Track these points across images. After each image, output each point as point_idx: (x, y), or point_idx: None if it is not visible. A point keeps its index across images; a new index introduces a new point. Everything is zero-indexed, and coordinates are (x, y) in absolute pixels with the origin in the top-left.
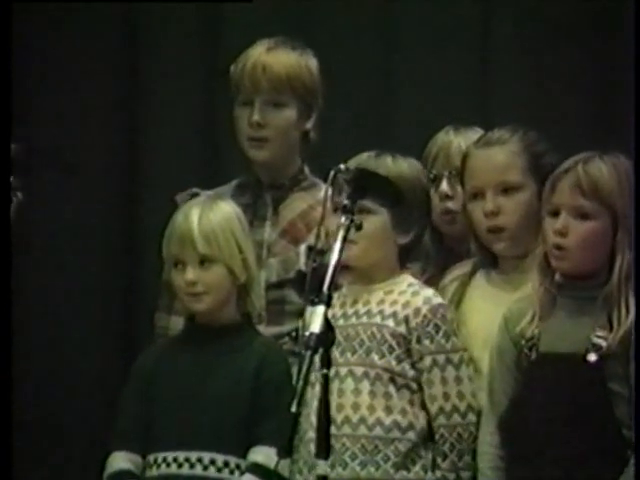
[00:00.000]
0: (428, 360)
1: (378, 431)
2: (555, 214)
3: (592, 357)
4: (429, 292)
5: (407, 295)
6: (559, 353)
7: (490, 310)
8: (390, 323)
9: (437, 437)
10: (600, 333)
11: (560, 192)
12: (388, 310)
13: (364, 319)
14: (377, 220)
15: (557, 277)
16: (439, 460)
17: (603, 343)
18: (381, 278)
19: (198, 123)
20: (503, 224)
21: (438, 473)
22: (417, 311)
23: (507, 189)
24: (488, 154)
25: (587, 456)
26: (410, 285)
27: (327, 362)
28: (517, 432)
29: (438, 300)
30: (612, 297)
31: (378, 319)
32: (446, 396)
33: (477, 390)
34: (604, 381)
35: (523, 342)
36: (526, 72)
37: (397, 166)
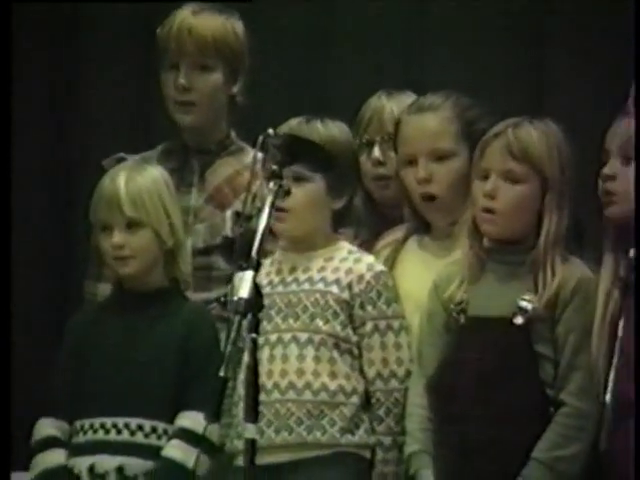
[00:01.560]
0: (369, 325)
1: (323, 396)
2: (485, 178)
3: (519, 320)
4: (371, 259)
5: (349, 262)
6: (487, 317)
7: (422, 275)
8: (334, 289)
9: (373, 401)
10: (527, 297)
11: (490, 156)
12: (331, 277)
13: (306, 286)
14: (312, 187)
15: (486, 241)
16: (375, 424)
17: (529, 306)
18: (318, 245)
19: (130, 89)
20: (435, 191)
21: (373, 438)
22: (360, 277)
23: (440, 156)
24: (421, 121)
25: (512, 416)
26: (350, 252)
27: (256, 327)
28: (445, 394)
29: (380, 267)
30: (539, 261)
31: (321, 285)
32: (385, 361)
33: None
34: (530, 343)
35: (452, 306)
36: (462, 36)
37: (327, 130)
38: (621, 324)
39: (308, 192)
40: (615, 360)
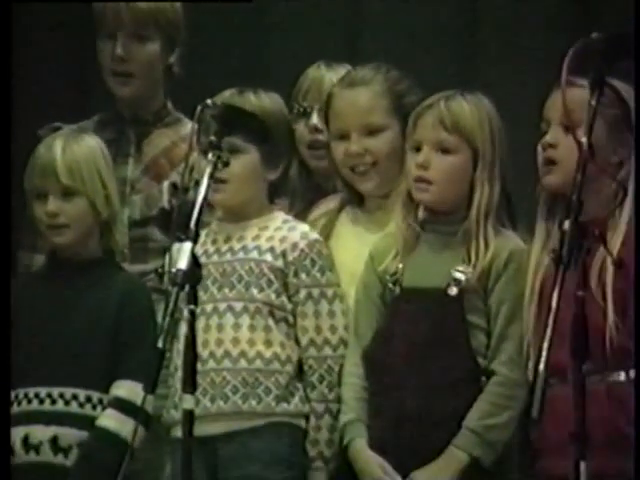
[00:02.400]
0: (303, 293)
1: (259, 364)
2: (417, 149)
3: (452, 291)
4: (305, 227)
5: (284, 230)
6: (421, 287)
7: (356, 247)
8: (268, 257)
9: (306, 368)
10: (460, 267)
11: (422, 127)
12: (265, 245)
13: (240, 255)
14: (247, 158)
15: (420, 213)
16: (308, 391)
17: (463, 277)
18: (253, 214)
19: (67, 59)
20: (368, 163)
21: (307, 405)
22: (294, 245)
23: (372, 131)
24: (352, 95)
25: (445, 385)
26: (285, 221)
27: (194, 298)
28: (380, 364)
29: (315, 235)
30: (471, 232)
31: (255, 254)
32: (318, 329)
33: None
34: (463, 313)
35: (387, 277)
36: (398, 7)
37: (260, 101)
38: (555, 295)
39: (243, 163)
40: (549, 330)
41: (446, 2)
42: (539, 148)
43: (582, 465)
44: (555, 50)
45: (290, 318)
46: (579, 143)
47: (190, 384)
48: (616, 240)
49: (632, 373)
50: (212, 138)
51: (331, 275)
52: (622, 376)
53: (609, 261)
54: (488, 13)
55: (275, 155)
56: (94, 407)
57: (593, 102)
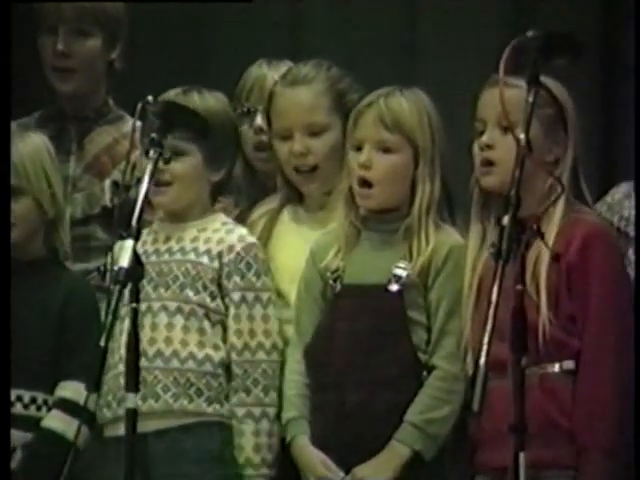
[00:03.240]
0: (237, 296)
1: (191, 364)
2: (359, 148)
3: (393, 287)
4: (243, 231)
5: (221, 233)
6: (362, 284)
7: (297, 246)
8: (204, 260)
9: (241, 372)
10: (401, 264)
11: (363, 126)
12: (202, 247)
13: (178, 256)
14: (190, 160)
15: (361, 210)
16: (243, 395)
17: (403, 273)
18: (194, 216)
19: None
20: (312, 164)
21: (243, 409)
22: (231, 248)
23: (315, 130)
24: (294, 94)
25: (387, 380)
26: (224, 224)
27: (136, 296)
28: (321, 360)
29: (252, 239)
30: (413, 229)
31: (192, 256)
32: (252, 333)
33: (285, 323)
34: (404, 309)
35: (329, 274)
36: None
37: (204, 101)
38: (495, 289)
39: (186, 165)
40: (489, 325)
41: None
42: (475, 148)
43: (521, 456)
44: (491, 48)
45: (225, 321)
46: (517, 140)
47: (133, 383)
48: (550, 235)
49: (566, 364)
50: (153, 135)
51: (266, 279)
52: (556, 367)
53: (544, 255)
54: (425, 11)
55: (219, 156)
56: (39, 408)
57: (530, 99)
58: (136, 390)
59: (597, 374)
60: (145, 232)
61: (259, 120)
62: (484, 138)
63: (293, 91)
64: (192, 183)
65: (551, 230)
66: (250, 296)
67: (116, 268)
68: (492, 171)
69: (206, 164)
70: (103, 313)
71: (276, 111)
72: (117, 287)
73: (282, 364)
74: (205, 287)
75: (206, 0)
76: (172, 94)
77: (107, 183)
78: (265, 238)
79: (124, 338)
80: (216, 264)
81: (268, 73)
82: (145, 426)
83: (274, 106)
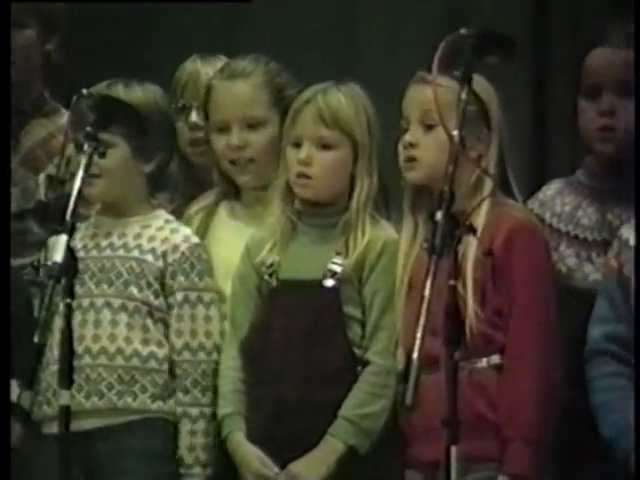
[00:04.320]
0: (180, 296)
1: (135, 362)
2: (297, 145)
3: (329, 282)
4: (188, 231)
5: (166, 231)
6: (298, 279)
7: (233, 241)
8: (149, 258)
9: (180, 372)
10: (336, 259)
11: (302, 123)
12: (146, 245)
13: (121, 252)
14: (117, 152)
15: (298, 204)
16: (181, 395)
17: (338, 269)
18: (134, 211)
19: None
20: (249, 157)
21: (180, 409)
22: (175, 247)
23: (252, 124)
24: (232, 88)
25: (322, 376)
26: (168, 222)
27: (70, 291)
28: (257, 356)
29: (196, 240)
30: (351, 223)
31: (136, 253)
32: (193, 333)
33: (222, 320)
34: (339, 305)
35: (264, 269)
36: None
37: (131, 92)
38: (428, 284)
39: (113, 157)
40: (422, 319)
41: None
42: (400, 147)
43: (453, 450)
44: (426, 44)
45: (168, 319)
46: (450, 137)
47: (66, 379)
48: (478, 230)
49: (493, 359)
50: (88, 129)
51: (210, 280)
52: (483, 362)
53: (470, 250)
54: (363, 7)
55: (148, 147)
56: None
57: (463, 96)
58: (70, 387)
59: (520, 366)
60: (83, 226)
61: (194, 116)
62: (407, 137)
63: (231, 84)
64: (121, 175)
65: (478, 225)
66: (193, 296)
67: (50, 263)
68: (415, 166)
69: (135, 155)
70: (37, 308)
71: (214, 104)
72: (51, 282)
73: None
74: (149, 285)
75: (207, 0)
76: (104, 85)
77: (42, 177)
78: (201, 234)
79: (57, 334)
80: (160, 263)
81: (202, 68)
82: (89, 424)
83: (212, 99)
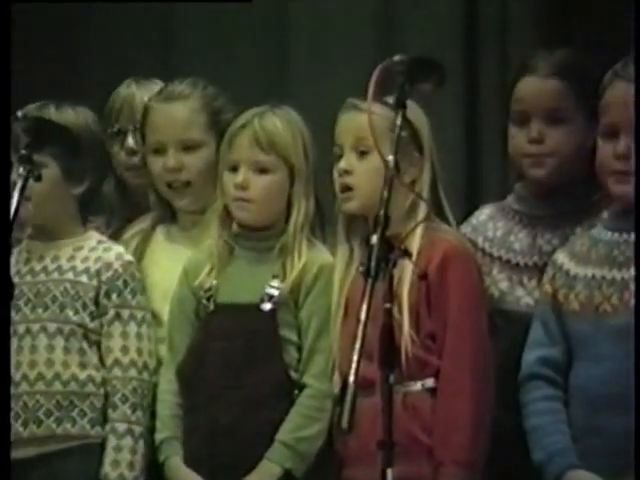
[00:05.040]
0: (112, 313)
1: (73, 386)
2: (234, 169)
3: (266, 306)
4: (121, 249)
5: (99, 251)
6: (235, 303)
7: (170, 264)
8: (83, 279)
9: (109, 388)
10: (274, 283)
11: (238, 148)
12: (80, 266)
13: (55, 275)
14: (47, 173)
15: (235, 228)
16: (110, 411)
17: (275, 292)
18: (65, 233)
19: None
20: (185, 180)
21: (108, 425)
22: (109, 265)
23: (189, 146)
24: (169, 110)
25: (259, 400)
26: (100, 242)
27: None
28: (194, 380)
29: (129, 257)
30: (288, 247)
31: (71, 275)
32: (125, 349)
33: (158, 343)
34: (276, 328)
35: (202, 293)
36: (208, 26)
37: (62, 114)
38: (364, 307)
39: (44, 179)
40: (358, 343)
41: (254, 17)
42: (335, 174)
43: (389, 472)
44: (363, 68)
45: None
46: (386, 162)
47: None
48: (412, 254)
49: (427, 383)
50: (22, 152)
51: (142, 298)
52: (418, 386)
53: (406, 274)
54: (297, 27)
55: (79, 169)
56: None
57: (398, 122)
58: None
59: (453, 390)
60: (16, 251)
61: (130, 141)
62: (341, 164)
63: (168, 106)
64: (51, 197)
65: (413, 249)
66: (125, 313)
67: None
68: (351, 196)
69: (65, 177)
70: None
71: (150, 125)
72: None
73: (155, 384)
74: (85, 306)
75: (205, 0)
76: (34, 107)
77: None
78: (138, 257)
79: None
80: (95, 282)
81: (137, 92)
82: (27, 452)
83: (148, 120)
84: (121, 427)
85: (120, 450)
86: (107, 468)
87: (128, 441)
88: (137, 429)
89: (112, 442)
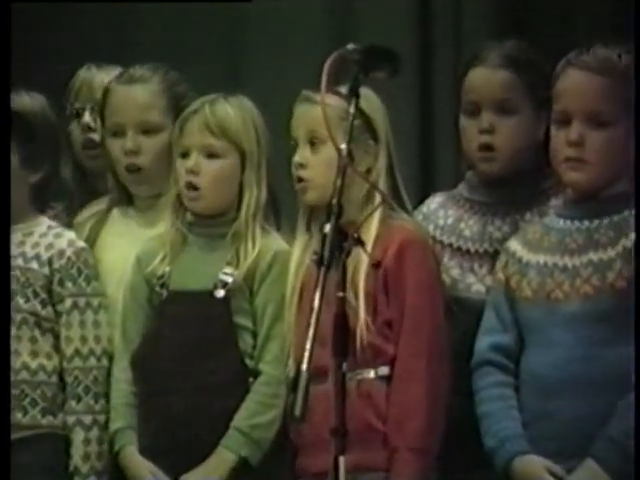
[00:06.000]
0: (69, 302)
1: (24, 375)
2: (186, 154)
3: (219, 293)
4: (72, 235)
5: (49, 237)
6: (189, 290)
7: (125, 248)
8: (34, 266)
9: (71, 380)
10: (227, 270)
11: (189, 133)
12: (30, 252)
13: None
14: None
15: (188, 215)
16: (73, 403)
17: (229, 279)
18: (16, 219)
19: None
20: (142, 163)
21: (73, 417)
22: (61, 253)
23: (148, 129)
24: (129, 92)
25: (214, 387)
26: (50, 227)
27: None
28: (148, 368)
29: (82, 244)
30: (240, 233)
31: (20, 262)
32: (83, 339)
33: (112, 328)
34: (230, 315)
35: (155, 280)
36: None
37: (18, 101)
38: (317, 296)
39: None
40: (311, 331)
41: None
42: (293, 167)
43: (342, 460)
44: (317, 58)
45: (57, 329)
46: (339, 151)
47: None
48: (369, 242)
49: (381, 370)
50: None
51: (97, 284)
52: (372, 373)
53: (362, 262)
54: (258, 20)
55: (36, 157)
56: None
57: (351, 110)
58: None
59: (409, 376)
60: None
61: (87, 117)
62: (296, 158)
63: (128, 88)
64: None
65: (370, 237)
66: (81, 302)
67: None
68: (307, 188)
69: (23, 165)
70: None
71: (110, 107)
72: None
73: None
74: (36, 294)
75: (205, 0)
76: None
77: None
78: (92, 240)
79: None
80: (47, 270)
81: (97, 75)
82: None
83: (108, 103)
84: (87, 419)
85: (89, 443)
86: (78, 462)
87: (95, 432)
88: (101, 418)
89: (80, 435)
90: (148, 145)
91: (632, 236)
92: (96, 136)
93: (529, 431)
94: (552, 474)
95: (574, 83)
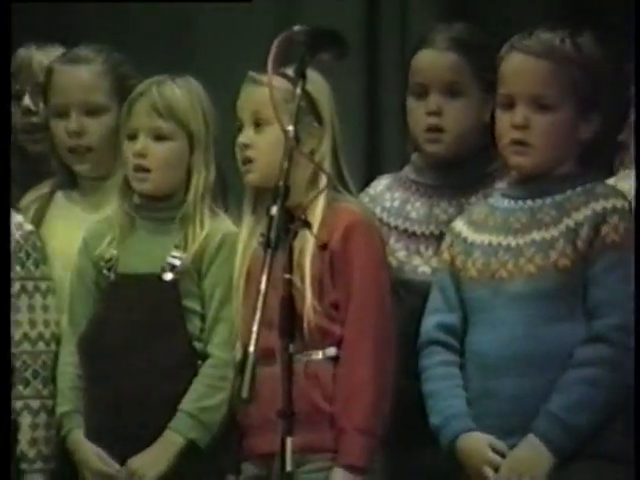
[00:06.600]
0: (17, 286)
1: None
2: (133, 137)
3: (167, 276)
4: (20, 218)
5: None
6: (137, 274)
7: (71, 231)
8: None
9: (19, 364)
10: (175, 253)
11: (137, 115)
12: None
13: None
14: None
15: (136, 198)
16: (21, 387)
17: (177, 262)
18: None
19: None
20: (87, 144)
21: (20, 402)
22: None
23: (92, 110)
24: (73, 72)
25: (162, 370)
26: None
27: None
28: (95, 351)
29: (29, 227)
30: (188, 216)
31: None
32: (32, 323)
33: (60, 312)
34: (179, 299)
35: (102, 263)
36: None
37: None
38: (263, 278)
39: None
40: (258, 313)
41: None
42: (237, 148)
43: (289, 441)
44: (266, 39)
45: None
46: (285, 132)
47: None
48: (315, 224)
49: (328, 351)
50: None
51: (45, 268)
52: (319, 354)
53: (308, 244)
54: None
55: None
56: None
57: (298, 91)
58: None
59: (356, 357)
60: None
61: (27, 100)
62: (241, 138)
63: (72, 68)
64: None
65: (315, 219)
66: (30, 285)
67: None
68: (252, 169)
69: None
70: None
71: (53, 88)
72: None
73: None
74: None
75: (205, 0)
76: None
77: None
78: (36, 224)
79: None
80: None
81: (36, 55)
82: None
83: (52, 82)
84: (35, 404)
85: (36, 428)
86: (25, 447)
87: (43, 417)
88: (49, 403)
89: (27, 420)
90: (92, 126)
91: (579, 216)
92: (36, 119)
93: (473, 409)
94: (495, 450)
95: (517, 67)
